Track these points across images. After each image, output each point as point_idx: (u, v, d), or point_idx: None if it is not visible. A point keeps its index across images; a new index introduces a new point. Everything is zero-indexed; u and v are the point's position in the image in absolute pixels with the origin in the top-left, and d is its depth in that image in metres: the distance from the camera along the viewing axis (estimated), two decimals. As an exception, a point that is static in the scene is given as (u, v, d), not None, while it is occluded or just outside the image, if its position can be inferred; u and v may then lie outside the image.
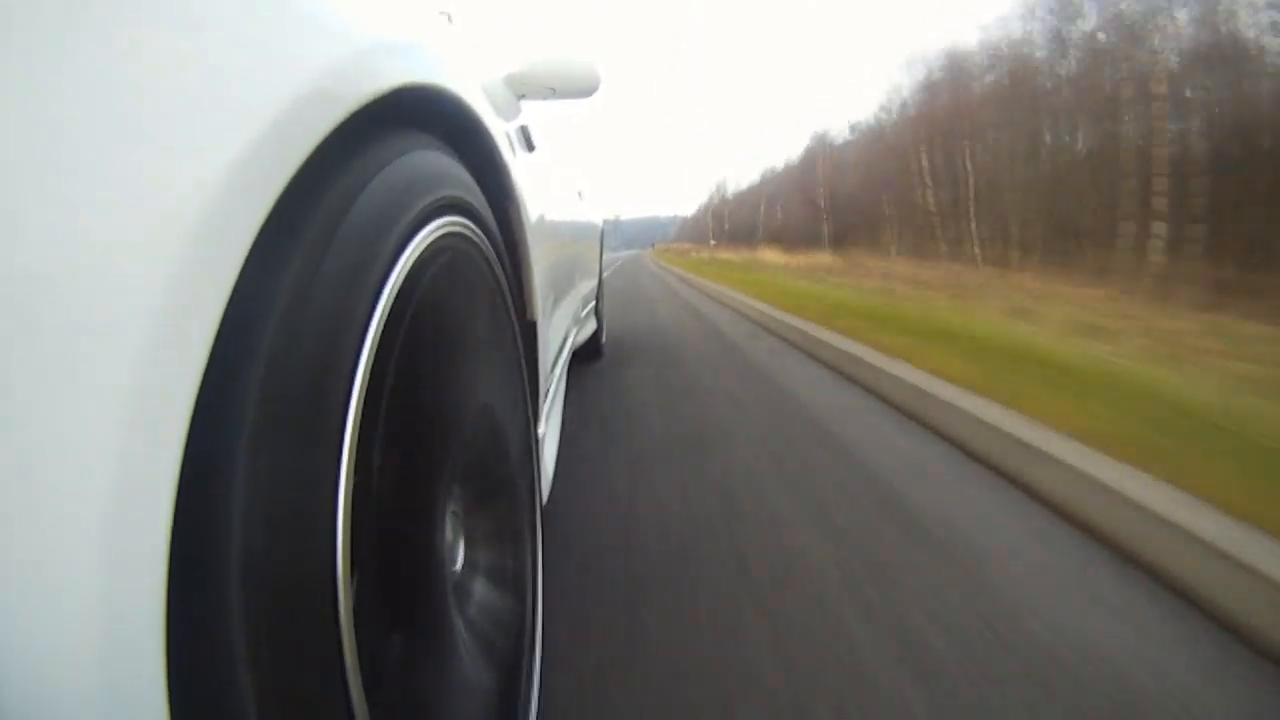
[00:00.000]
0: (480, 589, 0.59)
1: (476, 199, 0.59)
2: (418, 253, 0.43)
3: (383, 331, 0.36)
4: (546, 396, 1.11)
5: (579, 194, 2.09)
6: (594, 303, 2.91)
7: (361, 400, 0.34)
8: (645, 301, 6.88)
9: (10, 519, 0.20)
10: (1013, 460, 1.64)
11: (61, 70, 0.23)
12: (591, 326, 2.85)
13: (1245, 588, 1.02)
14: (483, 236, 0.60)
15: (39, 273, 0.21)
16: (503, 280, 0.67)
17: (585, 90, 1.12)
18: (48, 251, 0.21)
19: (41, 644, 0.21)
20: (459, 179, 0.54)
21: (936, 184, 18.97)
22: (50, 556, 0.21)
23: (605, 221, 3.65)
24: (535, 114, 1.15)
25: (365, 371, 0.34)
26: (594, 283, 2.82)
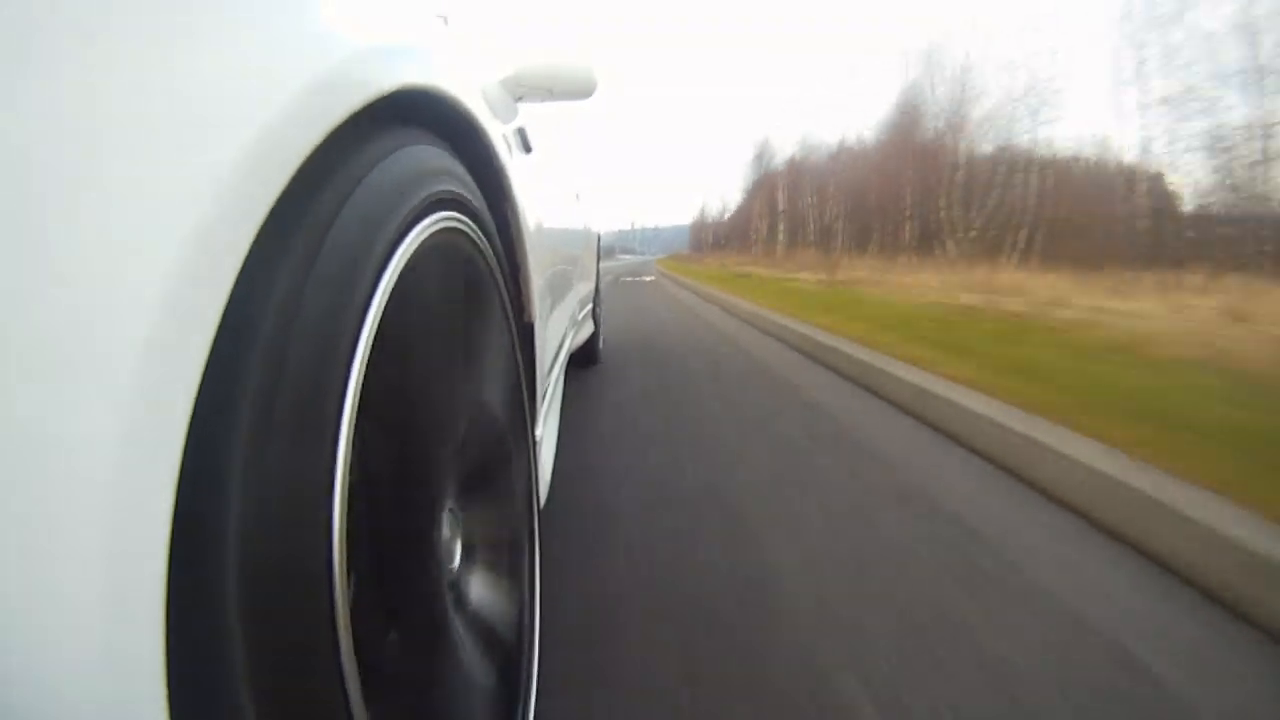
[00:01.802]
0: (478, 588, 0.59)
1: (474, 197, 0.59)
2: (415, 247, 0.43)
3: (380, 325, 0.36)
4: (544, 399, 1.11)
5: (576, 196, 2.09)
6: (591, 305, 2.90)
7: (357, 396, 0.34)
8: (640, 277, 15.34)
9: (10, 519, 0.21)
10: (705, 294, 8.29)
11: (70, 70, 0.23)
12: (589, 329, 2.84)
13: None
14: (480, 234, 0.60)
15: (39, 271, 0.21)
16: (500, 279, 0.67)
17: (582, 92, 1.12)
18: (49, 249, 0.22)
19: (41, 644, 0.21)
20: (456, 176, 0.54)
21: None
22: (50, 556, 0.21)
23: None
24: (537, 116, 1.15)
25: (361, 366, 0.34)
26: (591, 285, 2.81)
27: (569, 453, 1.72)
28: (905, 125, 19.79)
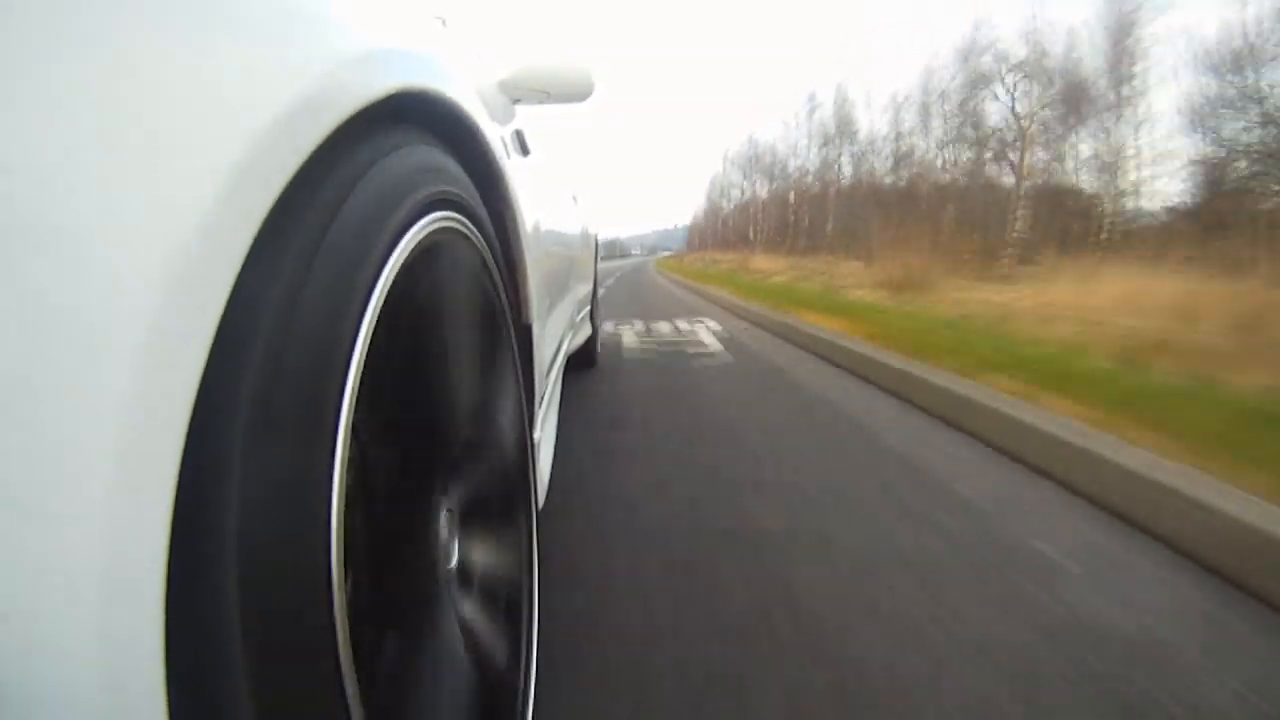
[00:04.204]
0: (476, 588, 0.59)
1: (472, 198, 0.59)
2: (413, 246, 0.43)
3: (378, 326, 0.37)
4: (542, 401, 1.11)
5: (574, 198, 2.09)
6: (589, 308, 2.90)
7: (355, 395, 0.34)
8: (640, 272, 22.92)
9: (10, 519, 0.21)
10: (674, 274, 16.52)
11: (69, 71, 0.23)
12: (586, 332, 2.84)
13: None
14: (478, 235, 0.60)
15: (39, 271, 0.21)
16: (498, 280, 0.67)
17: (579, 94, 1.13)
18: (49, 249, 0.22)
19: (41, 644, 0.21)
20: (454, 176, 0.54)
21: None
22: (50, 556, 0.21)
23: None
24: (536, 117, 1.16)
25: (359, 366, 0.34)
26: (589, 287, 2.81)
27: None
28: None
